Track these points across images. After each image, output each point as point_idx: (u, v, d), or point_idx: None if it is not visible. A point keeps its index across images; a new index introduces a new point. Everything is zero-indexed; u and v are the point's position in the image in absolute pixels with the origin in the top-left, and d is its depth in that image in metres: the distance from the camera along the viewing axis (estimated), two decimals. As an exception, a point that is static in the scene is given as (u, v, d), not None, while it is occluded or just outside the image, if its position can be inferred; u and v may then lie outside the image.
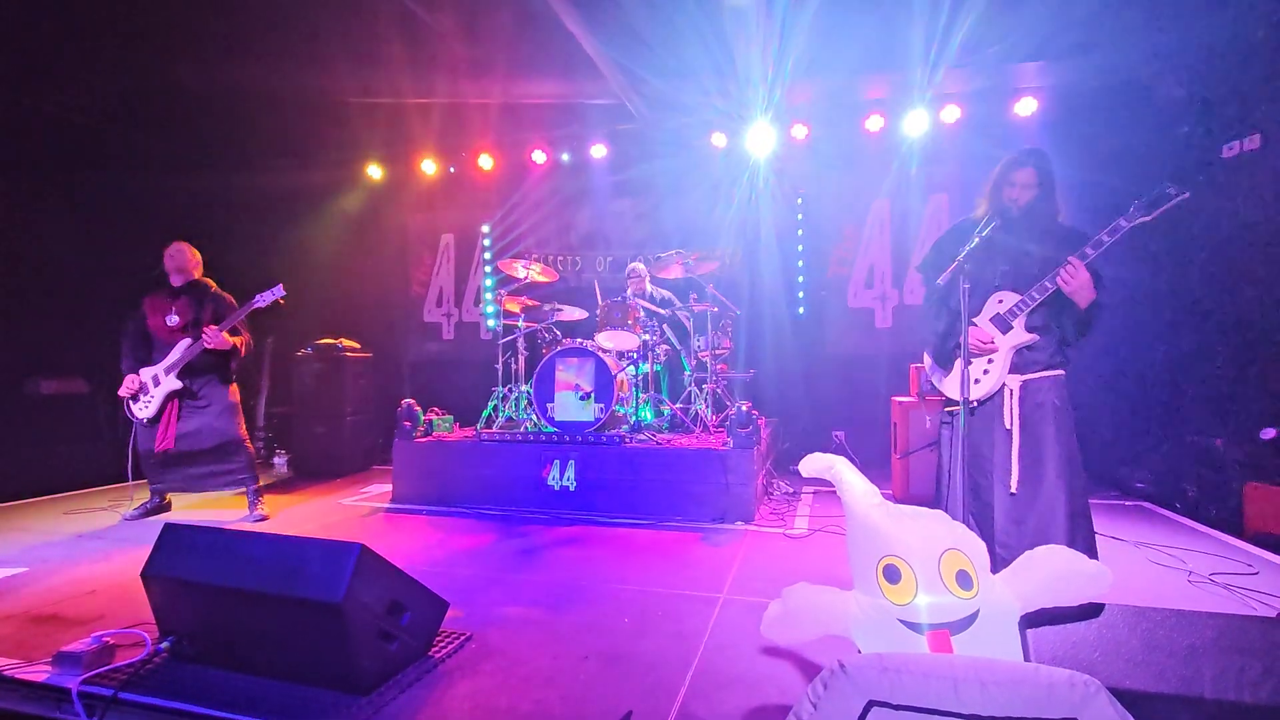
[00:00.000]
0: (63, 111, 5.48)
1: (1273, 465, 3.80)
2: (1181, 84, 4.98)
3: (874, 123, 6.01)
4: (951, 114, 5.81)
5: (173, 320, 4.20)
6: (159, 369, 4.18)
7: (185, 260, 4.30)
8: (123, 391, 4.18)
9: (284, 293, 4.17)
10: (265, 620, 2.04)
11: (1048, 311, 2.53)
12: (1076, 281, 2.35)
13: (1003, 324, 2.54)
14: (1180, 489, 4.41)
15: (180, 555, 2.16)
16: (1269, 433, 3.95)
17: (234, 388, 4.36)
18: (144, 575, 2.17)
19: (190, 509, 4.59)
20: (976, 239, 2.38)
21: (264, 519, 4.29)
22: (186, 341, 4.17)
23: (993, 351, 2.54)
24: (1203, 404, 4.62)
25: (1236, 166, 4.56)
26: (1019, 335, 2.52)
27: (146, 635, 2.27)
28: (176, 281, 4.29)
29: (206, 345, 4.08)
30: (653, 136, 6.63)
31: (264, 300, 4.14)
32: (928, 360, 2.81)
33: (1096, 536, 2.57)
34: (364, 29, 5.17)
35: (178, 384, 4.17)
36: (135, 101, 5.73)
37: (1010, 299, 2.53)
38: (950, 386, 2.68)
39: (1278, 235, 4.23)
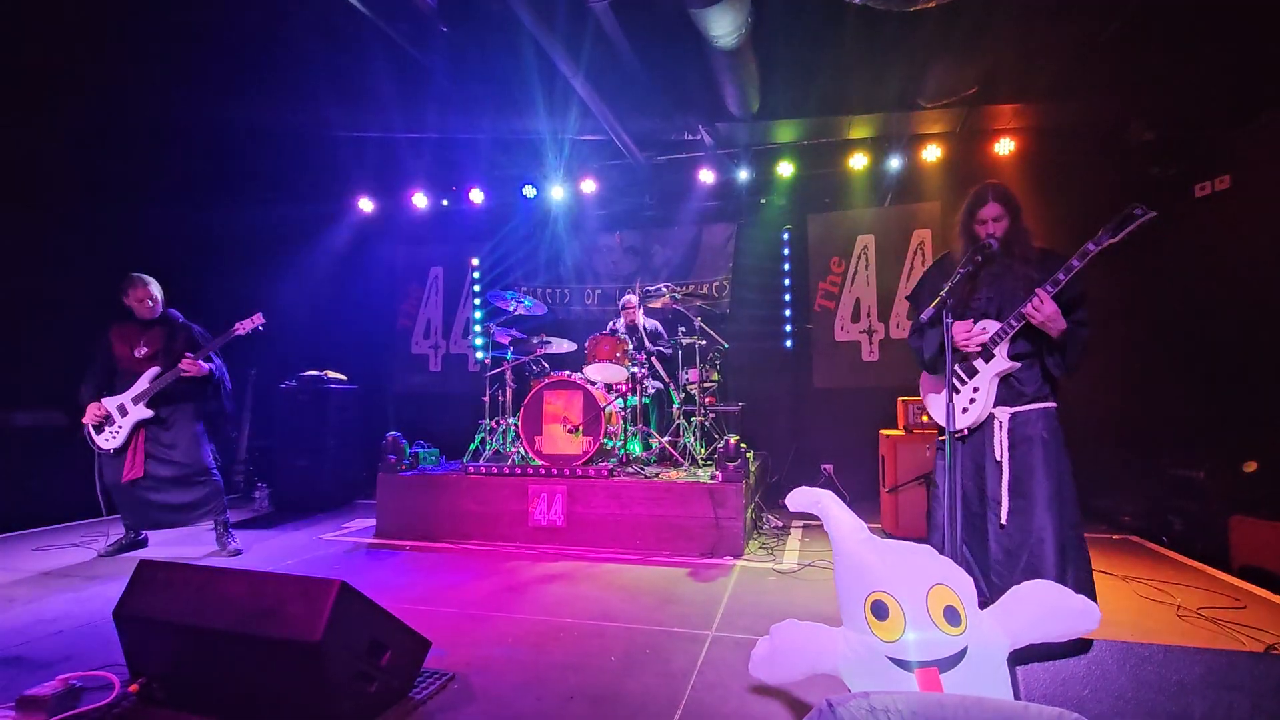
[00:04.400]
0: (41, 140, 5.43)
1: (1256, 498, 3.83)
2: (1152, 126, 5.16)
3: (857, 161, 6.16)
4: (933, 153, 5.96)
5: (141, 351, 4.14)
6: (125, 398, 4.09)
7: (152, 296, 4.20)
8: (87, 419, 4.07)
9: (263, 321, 4.18)
10: (240, 661, 1.97)
11: (1031, 339, 2.54)
12: (1043, 314, 2.37)
13: (986, 352, 2.55)
14: (1167, 522, 4.42)
15: (155, 593, 2.10)
16: (1250, 465, 3.99)
17: (202, 418, 4.30)
18: (116, 614, 2.10)
19: (166, 544, 4.47)
20: (958, 274, 2.44)
21: (239, 553, 4.20)
22: (155, 370, 4.10)
23: (982, 339, 2.54)
24: (1184, 437, 4.67)
25: (1208, 205, 4.71)
26: (1001, 363, 2.52)
27: (115, 678, 2.19)
28: (144, 315, 4.20)
29: (185, 373, 4.03)
30: (641, 172, 6.74)
31: (244, 328, 4.15)
32: (922, 387, 2.85)
33: (1086, 570, 2.56)
34: (354, 65, 5.25)
35: (148, 413, 4.10)
36: (118, 132, 5.72)
37: (993, 327, 2.53)
38: (936, 409, 2.70)
39: (1250, 271, 4.34)
